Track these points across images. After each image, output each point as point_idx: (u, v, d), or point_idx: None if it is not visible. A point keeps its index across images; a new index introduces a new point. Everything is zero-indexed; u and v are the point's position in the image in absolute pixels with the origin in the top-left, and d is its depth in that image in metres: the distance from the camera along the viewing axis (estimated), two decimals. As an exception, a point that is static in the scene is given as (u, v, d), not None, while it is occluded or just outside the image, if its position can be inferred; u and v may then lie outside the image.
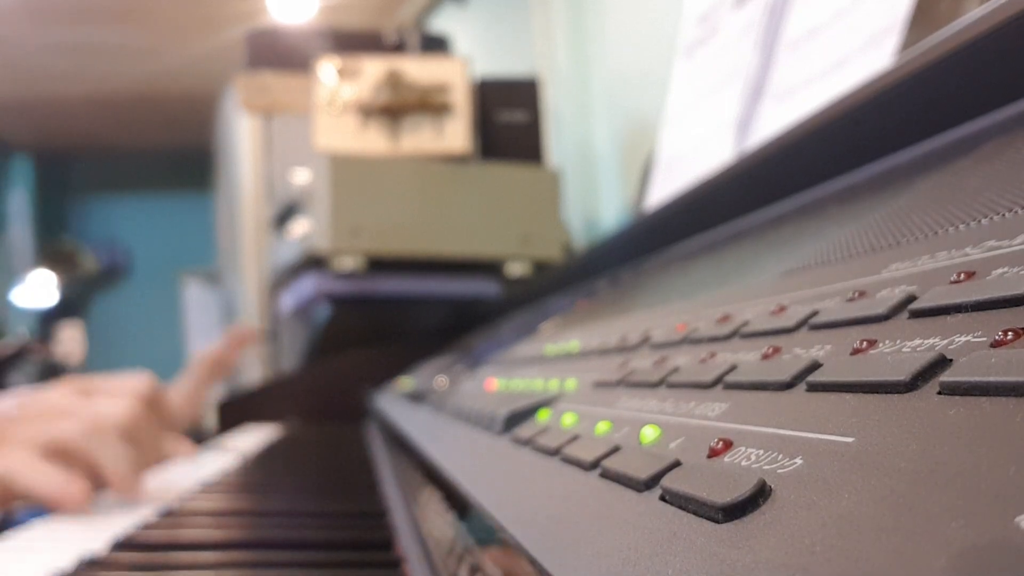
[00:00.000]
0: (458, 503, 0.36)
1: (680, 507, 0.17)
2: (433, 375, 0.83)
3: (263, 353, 2.03)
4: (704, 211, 0.60)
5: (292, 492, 0.63)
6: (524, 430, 0.33)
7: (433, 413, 0.59)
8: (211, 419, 1.45)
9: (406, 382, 0.96)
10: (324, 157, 1.31)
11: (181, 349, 4.44)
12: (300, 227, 1.47)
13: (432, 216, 1.34)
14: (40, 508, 0.56)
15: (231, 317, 2.41)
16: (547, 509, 0.22)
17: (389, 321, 1.40)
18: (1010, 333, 0.14)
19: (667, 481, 0.18)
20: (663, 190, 0.80)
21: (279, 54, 1.85)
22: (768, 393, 0.20)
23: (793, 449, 0.16)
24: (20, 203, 5.08)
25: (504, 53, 2.23)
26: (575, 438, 0.27)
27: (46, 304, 4.94)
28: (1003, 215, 0.22)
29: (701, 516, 0.16)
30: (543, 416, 0.34)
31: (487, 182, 1.39)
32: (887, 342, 0.18)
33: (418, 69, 1.41)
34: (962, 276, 0.19)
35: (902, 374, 0.15)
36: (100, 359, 4.86)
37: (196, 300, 4.50)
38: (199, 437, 1.12)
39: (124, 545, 0.41)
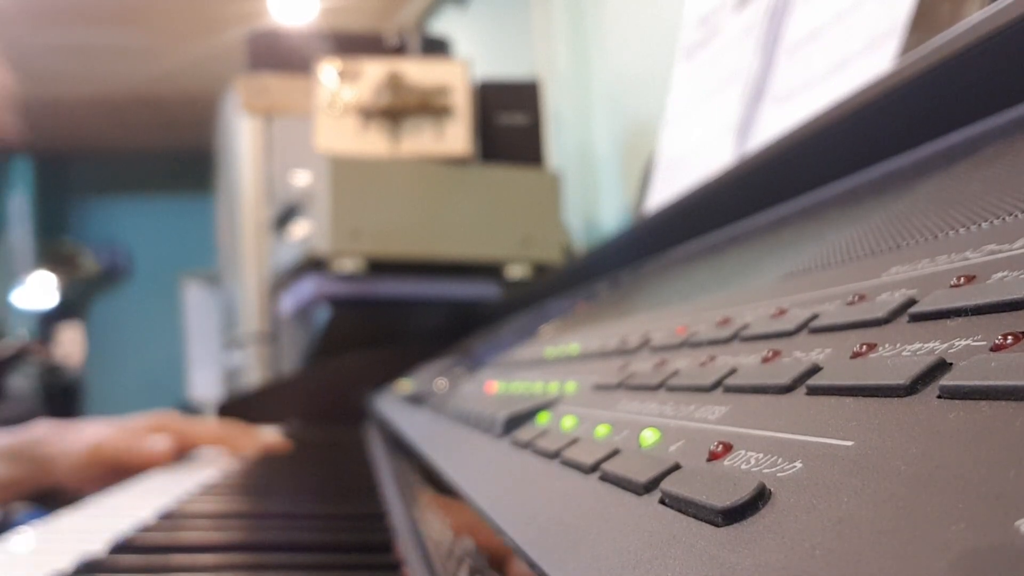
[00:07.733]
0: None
1: (680, 510, 0.17)
2: (433, 377, 0.82)
3: (263, 355, 2.03)
4: (704, 214, 0.60)
5: (292, 494, 0.63)
6: (524, 433, 0.33)
7: (433, 415, 0.59)
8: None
9: (406, 384, 0.96)
10: (324, 159, 1.31)
11: (181, 351, 4.43)
12: (300, 229, 1.47)
13: (432, 218, 1.34)
14: (40, 509, 0.56)
15: (231, 318, 2.41)
16: (547, 512, 0.22)
17: (389, 323, 1.39)
18: (1010, 337, 0.14)
19: (667, 484, 0.18)
20: (663, 192, 0.80)
21: (280, 56, 1.85)
22: (768, 396, 0.20)
23: (793, 452, 0.16)
24: (20, 204, 5.08)
25: (505, 55, 2.23)
26: (575, 441, 0.27)
27: (46, 306, 4.93)
28: (1003, 219, 0.22)
29: (701, 519, 0.16)
30: (543, 419, 0.34)
31: (487, 184, 1.39)
32: (887, 346, 0.18)
33: (419, 71, 1.41)
34: (962, 280, 0.19)
35: (902, 378, 0.15)
36: (100, 361, 4.86)
37: (196, 302, 4.49)
38: None
39: (123, 547, 0.41)
